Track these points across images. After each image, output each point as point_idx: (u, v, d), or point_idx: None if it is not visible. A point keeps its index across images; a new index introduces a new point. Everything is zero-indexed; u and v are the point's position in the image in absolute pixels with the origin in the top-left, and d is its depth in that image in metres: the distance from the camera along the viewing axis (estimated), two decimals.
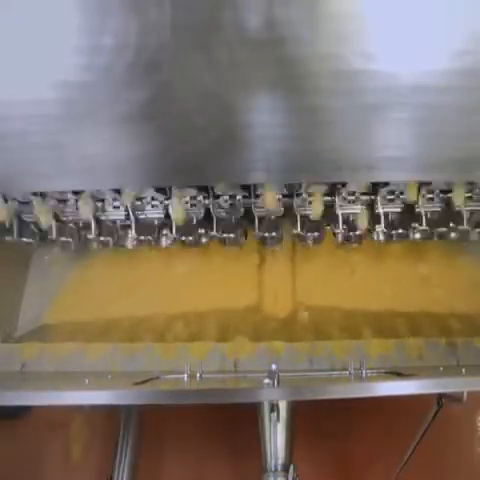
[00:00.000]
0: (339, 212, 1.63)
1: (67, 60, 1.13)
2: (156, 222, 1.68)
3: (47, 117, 1.23)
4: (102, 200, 1.65)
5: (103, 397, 1.31)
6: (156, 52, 1.11)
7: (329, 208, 1.64)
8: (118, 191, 1.62)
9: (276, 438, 1.55)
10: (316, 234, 1.72)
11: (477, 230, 1.67)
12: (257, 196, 1.62)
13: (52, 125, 1.25)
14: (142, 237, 1.69)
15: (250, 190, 1.62)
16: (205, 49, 1.11)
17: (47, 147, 1.29)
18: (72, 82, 1.16)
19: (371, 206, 1.64)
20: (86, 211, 1.61)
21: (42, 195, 1.61)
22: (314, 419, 2.02)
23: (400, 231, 1.67)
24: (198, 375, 1.52)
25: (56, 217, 1.66)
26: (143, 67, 1.13)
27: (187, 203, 1.64)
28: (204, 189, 1.64)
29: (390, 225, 1.67)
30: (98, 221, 1.67)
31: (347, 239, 1.71)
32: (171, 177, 1.41)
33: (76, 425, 2.20)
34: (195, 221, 1.68)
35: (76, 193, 1.63)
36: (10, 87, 1.18)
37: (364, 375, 1.48)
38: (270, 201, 1.58)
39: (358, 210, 1.63)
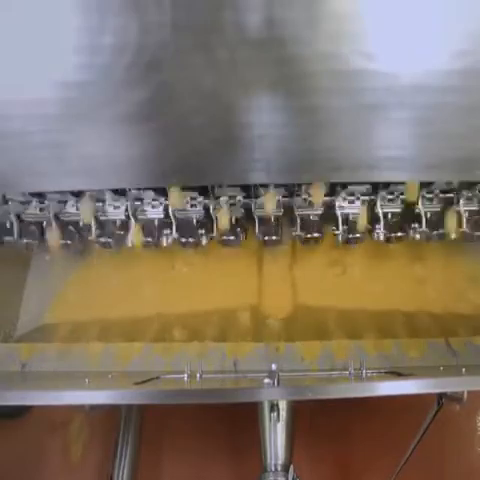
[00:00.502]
0: (338, 212, 1.63)
1: (67, 60, 1.13)
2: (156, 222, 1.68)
3: (47, 117, 1.23)
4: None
5: (103, 397, 1.31)
6: (156, 52, 1.11)
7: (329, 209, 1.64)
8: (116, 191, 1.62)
9: (276, 438, 1.55)
10: (316, 234, 1.71)
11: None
12: (257, 196, 1.63)
13: (52, 125, 1.24)
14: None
15: (250, 191, 1.62)
16: (205, 49, 1.11)
17: (47, 147, 1.29)
18: (72, 82, 1.16)
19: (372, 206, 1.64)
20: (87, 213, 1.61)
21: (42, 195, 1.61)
22: (314, 419, 2.03)
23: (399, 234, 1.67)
24: (198, 375, 1.52)
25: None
26: (143, 67, 1.13)
27: (187, 203, 1.64)
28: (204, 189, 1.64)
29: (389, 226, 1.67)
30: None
31: (347, 239, 1.71)
32: (171, 177, 1.41)
33: (76, 425, 2.20)
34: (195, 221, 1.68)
35: (76, 194, 1.63)
36: (10, 87, 1.18)
37: (364, 375, 1.48)
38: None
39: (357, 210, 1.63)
